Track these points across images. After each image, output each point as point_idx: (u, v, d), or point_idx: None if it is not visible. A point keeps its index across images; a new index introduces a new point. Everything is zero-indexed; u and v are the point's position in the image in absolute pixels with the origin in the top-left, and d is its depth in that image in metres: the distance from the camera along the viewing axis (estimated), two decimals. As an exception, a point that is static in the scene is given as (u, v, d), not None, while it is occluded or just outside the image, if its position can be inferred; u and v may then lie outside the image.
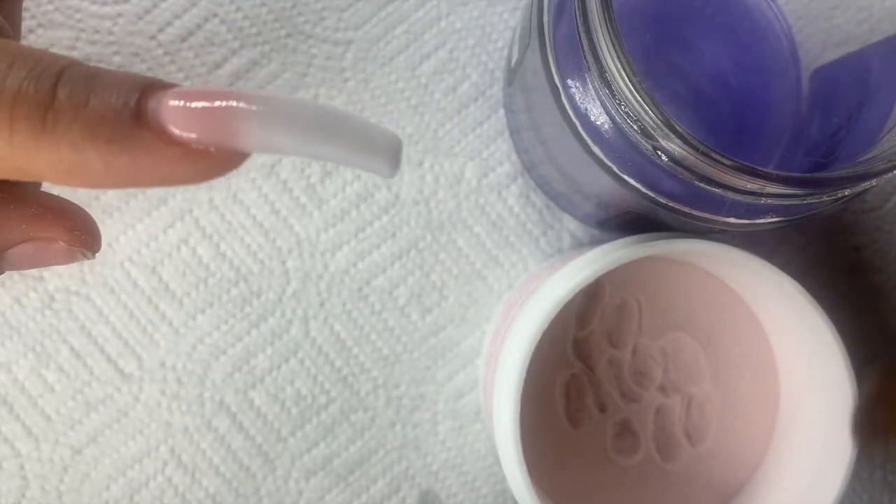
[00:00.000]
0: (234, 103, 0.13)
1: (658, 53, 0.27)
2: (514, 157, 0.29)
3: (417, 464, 0.29)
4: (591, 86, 0.19)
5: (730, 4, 0.27)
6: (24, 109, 0.13)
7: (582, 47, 0.18)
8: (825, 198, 0.19)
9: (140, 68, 0.28)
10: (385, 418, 0.29)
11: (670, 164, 0.19)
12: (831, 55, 0.26)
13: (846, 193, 0.19)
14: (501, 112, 0.29)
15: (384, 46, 0.29)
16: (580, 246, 0.30)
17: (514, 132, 0.29)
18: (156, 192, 0.28)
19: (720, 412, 0.27)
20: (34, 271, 0.28)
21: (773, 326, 0.27)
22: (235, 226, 0.29)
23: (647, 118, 0.18)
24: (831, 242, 0.30)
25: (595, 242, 0.28)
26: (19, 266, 0.16)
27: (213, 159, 0.14)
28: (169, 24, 0.29)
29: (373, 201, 0.29)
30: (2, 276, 0.19)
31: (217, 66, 0.29)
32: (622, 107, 0.18)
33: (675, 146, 0.18)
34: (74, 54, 0.28)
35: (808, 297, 0.24)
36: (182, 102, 0.13)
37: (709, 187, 0.19)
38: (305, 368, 0.29)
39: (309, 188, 0.29)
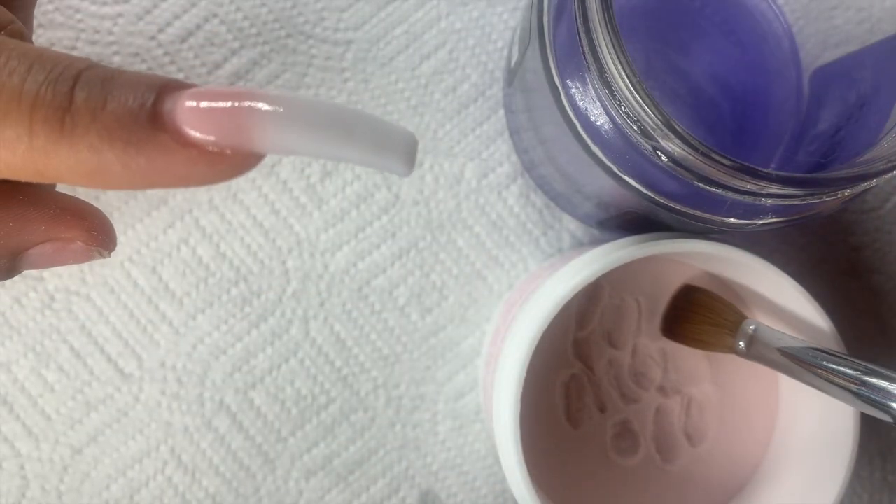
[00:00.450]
0: (249, 104, 0.13)
1: (658, 54, 0.27)
2: (513, 157, 0.29)
3: (417, 464, 0.29)
4: (591, 86, 0.19)
5: (730, 5, 0.27)
6: (43, 113, 0.13)
7: (582, 48, 0.18)
8: (825, 198, 0.19)
9: (140, 69, 0.28)
10: (385, 418, 0.29)
11: (670, 164, 0.19)
12: (831, 55, 0.26)
13: (846, 193, 0.19)
14: (501, 112, 0.29)
15: (384, 47, 0.29)
16: (580, 246, 0.30)
17: (514, 132, 0.29)
18: (156, 192, 0.28)
19: (720, 412, 0.27)
20: (34, 271, 0.28)
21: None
22: (235, 226, 0.29)
23: (646, 118, 0.18)
24: (831, 242, 0.30)
25: (595, 242, 0.28)
26: (38, 265, 0.16)
27: (230, 160, 0.14)
28: (169, 24, 0.29)
29: (373, 201, 0.29)
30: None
31: (217, 66, 0.29)
32: (622, 107, 0.18)
33: (674, 146, 0.18)
34: (74, 55, 0.28)
35: (808, 297, 0.24)
36: (198, 103, 0.13)
37: (709, 187, 0.19)
38: (305, 368, 0.29)
39: (309, 188, 0.29)
